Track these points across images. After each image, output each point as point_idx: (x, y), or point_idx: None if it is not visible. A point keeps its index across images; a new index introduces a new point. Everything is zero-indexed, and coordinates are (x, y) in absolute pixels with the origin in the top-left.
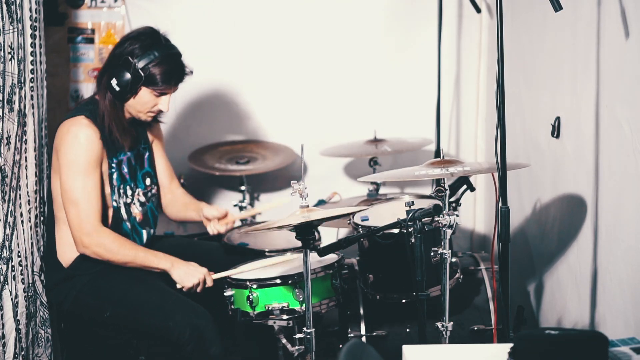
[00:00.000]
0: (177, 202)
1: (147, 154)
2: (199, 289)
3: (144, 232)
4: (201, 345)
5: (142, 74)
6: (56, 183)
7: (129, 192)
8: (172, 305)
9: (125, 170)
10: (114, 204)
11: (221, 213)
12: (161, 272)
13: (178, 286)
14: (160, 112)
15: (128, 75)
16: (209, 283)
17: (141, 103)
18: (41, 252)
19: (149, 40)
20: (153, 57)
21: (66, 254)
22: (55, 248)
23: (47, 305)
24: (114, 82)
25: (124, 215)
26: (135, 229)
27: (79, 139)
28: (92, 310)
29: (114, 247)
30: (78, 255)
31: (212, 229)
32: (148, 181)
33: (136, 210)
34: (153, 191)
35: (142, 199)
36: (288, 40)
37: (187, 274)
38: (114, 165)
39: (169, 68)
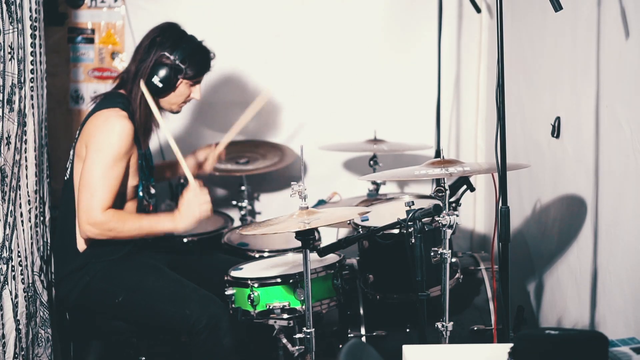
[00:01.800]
0: (166, 167)
1: (148, 149)
2: (207, 212)
3: None
4: (215, 334)
5: (183, 67)
6: (79, 170)
7: (144, 182)
8: (190, 293)
9: (144, 164)
10: (140, 194)
11: (210, 149)
12: (174, 267)
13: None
14: (189, 101)
15: (168, 71)
16: (207, 199)
17: (178, 95)
18: (41, 252)
19: (177, 35)
20: (188, 49)
21: (82, 243)
22: (72, 237)
23: (47, 305)
24: (155, 79)
25: (148, 206)
26: None
27: (115, 129)
28: (104, 294)
29: (118, 226)
30: (94, 245)
31: (209, 166)
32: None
33: (146, 202)
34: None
35: (152, 191)
36: (288, 41)
37: (190, 218)
38: (141, 156)
39: (203, 57)
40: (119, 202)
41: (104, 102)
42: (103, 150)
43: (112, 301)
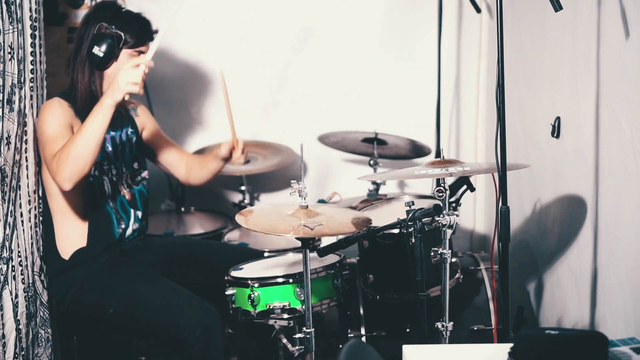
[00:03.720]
0: (194, 166)
1: (134, 138)
2: (137, 79)
3: (132, 211)
4: (209, 344)
5: (122, 34)
6: (46, 173)
7: (114, 171)
8: (182, 303)
9: (110, 149)
10: (90, 179)
11: (231, 144)
12: (167, 270)
13: (129, 90)
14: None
15: (108, 40)
16: (142, 61)
17: (122, 66)
18: (41, 252)
19: (114, 8)
20: (126, 18)
21: (65, 247)
22: (54, 241)
23: (47, 305)
24: (96, 49)
25: (108, 191)
26: (124, 207)
27: (51, 111)
28: (94, 307)
29: (72, 151)
30: (77, 248)
31: (239, 159)
32: (136, 165)
33: (124, 190)
34: (143, 174)
35: (130, 181)
36: (288, 41)
37: (118, 88)
38: None
39: (142, 24)
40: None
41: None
42: (49, 131)
43: (104, 313)
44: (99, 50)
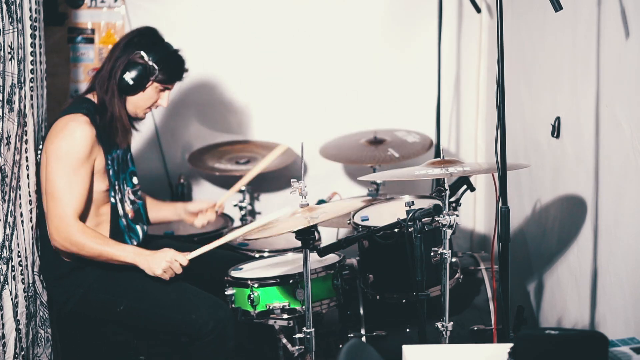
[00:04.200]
0: (148, 204)
1: (129, 153)
2: (174, 272)
3: (138, 228)
4: (221, 338)
5: (156, 68)
6: (44, 178)
7: (117, 189)
8: (195, 298)
9: (115, 168)
10: (112, 200)
11: (209, 204)
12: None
13: (152, 273)
14: (155, 107)
15: (141, 70)
16: (183, 262)
17: (145, 99)
18: (40, 252)
19: (155, 38)
20: (163, 53)
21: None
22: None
23: (47, 305)
24: (127, 76)
25: (120, 212)
26: (129, 225)
27: (75, 135)
28: (103, 304)
29: (80, 241)
30: None
31: (202, 220)
32: (135, 180)
33: (128, 207)
34: (140, 190)
35: (132, 197)
36: (288, 40)
37: (154, 262)
38: (109, 162)
39: (178, 64)
40: (89, 206)
41: (68, 108)
42: (63, 157)
43: (114, 310)
44: (130, 78)
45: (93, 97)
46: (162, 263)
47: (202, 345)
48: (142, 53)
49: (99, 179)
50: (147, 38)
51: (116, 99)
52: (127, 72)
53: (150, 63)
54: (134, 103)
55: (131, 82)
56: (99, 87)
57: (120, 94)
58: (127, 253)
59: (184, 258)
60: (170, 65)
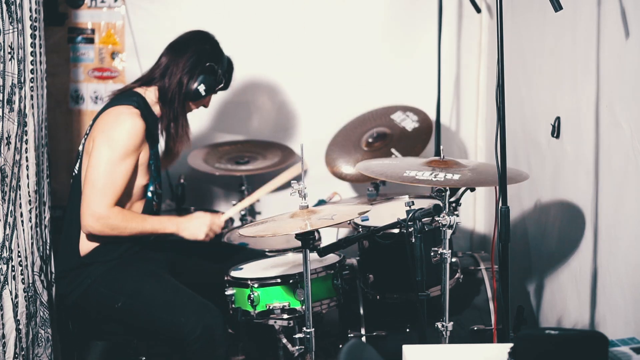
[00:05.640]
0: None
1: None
2: (212, 235)
3: None
4: (209, 344)
5: (223, 80)
6: (86, 165)
7: (158, 186)
8: (187, 302)
9: (158, 163)
10: (149, 194)
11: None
12: (171, 269)
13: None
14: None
15: (214, 82)
16: (221, 223)
17: (200, 103)
18: (41, 252)
19: (219, 48)
20: (227, 63)
21: (85, 243)
22: (77, 235)
23: (47, 305)
24: (201, 87)
25: (154, 208)
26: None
27: (126, 125)
28: (104, 299)
29: (121, 225)
30: (97, 245)
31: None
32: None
33: (154, 202)
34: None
35: (160, 190)
36: (288, 41)
37: (196, 228)
38: (152, 156)
39: (231, 73)
40: (125, 201)
41: (118, 99)
42: (111, 145)
43: (112, 306)
44: (203, 90)
45: (143, 92)
46: (203, 227)
47: (191, 353)
48: (215, 66)
49: (141, 173)
50: (215, 46)
51: (180, 106)
52: (202, 84)
53: (221, 74)
54: (189, 107)
55: (203, 93)
56: (162, 94)
57: (185, 100)
58: (167, 224)
59: (219, 219)
60: (230, 76)
